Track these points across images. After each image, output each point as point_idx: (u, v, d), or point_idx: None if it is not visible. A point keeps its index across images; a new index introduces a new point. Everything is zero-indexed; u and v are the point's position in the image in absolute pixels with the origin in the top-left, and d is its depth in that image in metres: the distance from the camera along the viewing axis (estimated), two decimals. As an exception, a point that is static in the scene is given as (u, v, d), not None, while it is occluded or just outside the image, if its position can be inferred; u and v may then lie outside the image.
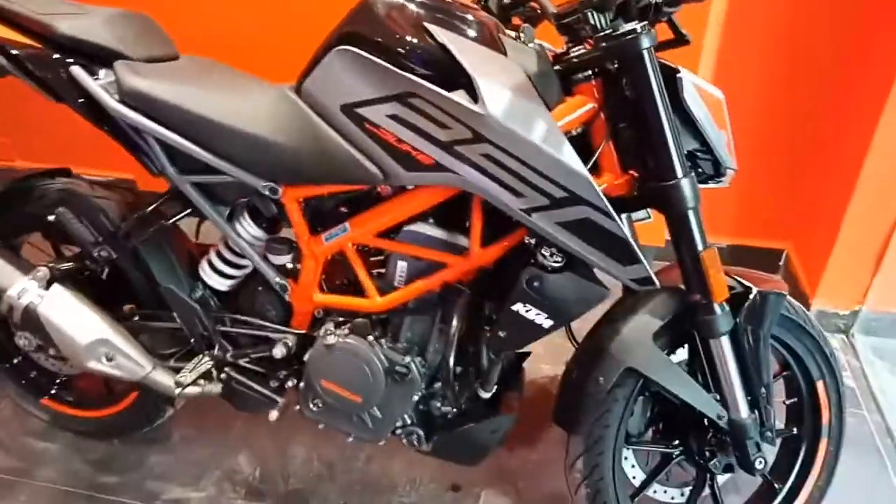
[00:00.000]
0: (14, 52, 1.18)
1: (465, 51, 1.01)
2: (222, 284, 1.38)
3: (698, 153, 1.12)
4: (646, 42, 1.00)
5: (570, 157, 0.98)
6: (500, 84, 0.99)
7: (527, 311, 1.10)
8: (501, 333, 1.14)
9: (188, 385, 1.33)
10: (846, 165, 1.89)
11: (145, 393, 1.54)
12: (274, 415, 1.34)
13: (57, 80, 1.19)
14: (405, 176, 1.10)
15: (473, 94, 1.00)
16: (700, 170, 1.14)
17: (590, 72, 1.09)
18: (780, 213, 2.23)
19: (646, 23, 1.01)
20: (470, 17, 1.09)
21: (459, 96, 1.00)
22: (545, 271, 1.08)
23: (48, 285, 1.31)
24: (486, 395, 1.27)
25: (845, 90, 1.92)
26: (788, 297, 1.21)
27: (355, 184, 1.17)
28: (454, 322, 1.18)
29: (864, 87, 1.83)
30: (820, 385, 1.32)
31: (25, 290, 1.30)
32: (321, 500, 1.54)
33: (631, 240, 1.02)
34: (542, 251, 1.08)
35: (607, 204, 0.99)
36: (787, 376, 1.33)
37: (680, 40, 1.09)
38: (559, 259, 1.08)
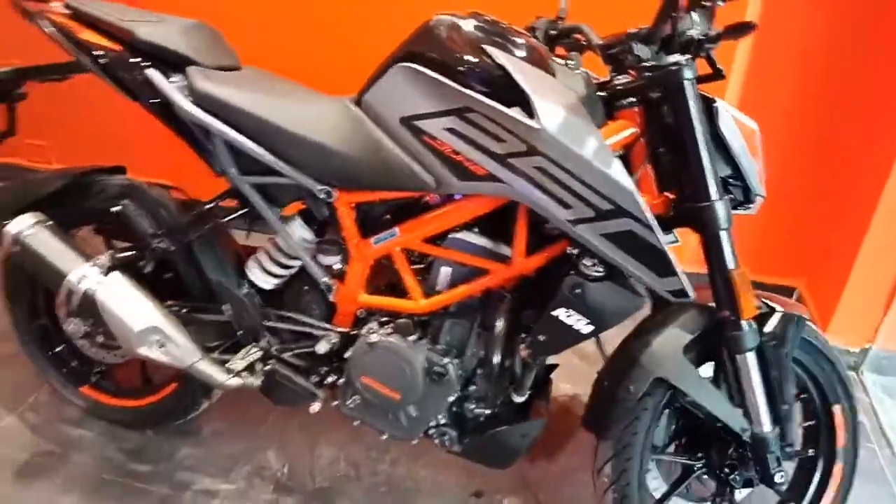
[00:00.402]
0: (96, 53, 1.28)
1: (522, 71, 1.10)
2: (268, 283, 1.46)
3: (730, 179, 1.20)
4: (688, 74, 1.09)
5: (618, 172, 1.06)
6: (554, 102, 1.07)
7: (568, 316, 1.17)
8: (541, 338, 1.21)
9: (238, 372, 1.38)
10: (860, 205, 1.97)
11: (184, 385, 1.60)
12: (315, 407, 1.41)
13: (133, 81, 1.28)
14: (457, 185, 1.18)
15: (528, 111, 1.08)
16: (731, 196, 1.22)
17: (633, 99, 1.18)
18: (794, 251, 2.29)
19: (689, 56, 1.10)
20: (524, 41, 1.18)
21: (516, 112, 1.08)
22: (587, 280, 1.15)
23: (107, 273, 1.38)
24: (519, 400, 1.33)
25: (861, 132, 2.01)
26: (809, 322, 1.28)
27: (408, 191, 1.25)
28: (498, 325, 1.25)
29: (881, 129, 1.91)
30: (837, 409, 1.37)
31: (85, 275, 1.37)
32: (347, 499, 1.59)
33: (669, 253, 1.09)
34: (585, 261, 1.16)
35: (650, 217, 1.07)
36: (804, 399, 1.39)
37: (716, 75, 1.17)
38: (600, 269, 1.15)
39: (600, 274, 1.15)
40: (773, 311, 1.23)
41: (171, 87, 1.27)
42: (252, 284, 1.45)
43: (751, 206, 1.23)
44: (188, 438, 1.72)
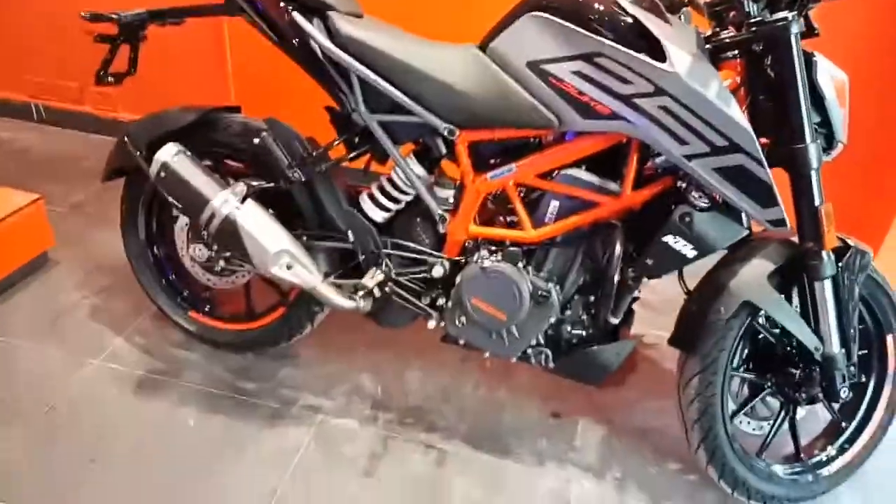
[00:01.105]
0: (251, -5, 1.40)
1: (651, 21, 1.24)
2: (379, 216, 1.60)
3: (816, 126, 1.35)
4: (795, 29, 1.23)
5: (736, 111, 1.21)
6: (681, 49, 1.22)
7: (675, 242, 1.33)
8: (649, 261, 1.37)
9: (362, 294, 1.53)
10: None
11: (291, 310, 1.75)
12: (433, 324, 1.56)
13: (281, 22, 1.40)
14: (581, 123, 1.32)
15: (655, 56, 1.22)
16: (819, 141, 1.37)
17: (736, 52, 1.33)
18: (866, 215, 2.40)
19: (795, 12, 1.24)
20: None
21: (645, 57, 1.23)
22: (695, 209, 1.31)
23: (243, 200, 1.52)
24: (615, 322, 1.49)
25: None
26: (872, 259, 1.45)
27: (530, 129, 1.39)
28: (615, 251, 1.39)
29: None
30: (889, 338, 1.54)
31: (227, 200, 1.51)
32: (439, 415, 1.75)
33: (774, 185, 1.25)
34: (693, 193, 1.31)
35: (761, 153, 1.23)
36: (861, 329, 1.56)
37: (809, 32, 1.31)
38: (706, 201, 1.31)
39: (707, 205, 1.31)
40: (847, 245, 1.39)
41: (314, 29, 1.40)
42: (365, 216, 1.59)
43: (833, 151, 1.38)
44: (287, 361, 1.87)
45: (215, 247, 1.63)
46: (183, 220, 1.73)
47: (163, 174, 1.52)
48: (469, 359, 1.95)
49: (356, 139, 1.57)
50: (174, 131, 1.59)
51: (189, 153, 1.55)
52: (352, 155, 1.56)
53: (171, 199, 1.56)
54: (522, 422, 1.76)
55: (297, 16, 1.40)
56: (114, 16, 1.56)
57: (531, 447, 1.68)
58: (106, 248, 2.26)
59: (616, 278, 1.42)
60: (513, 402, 1.82)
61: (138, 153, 1.61)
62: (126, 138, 1.65)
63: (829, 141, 1.36)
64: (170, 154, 1.52)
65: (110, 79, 1.64)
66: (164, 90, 2.64)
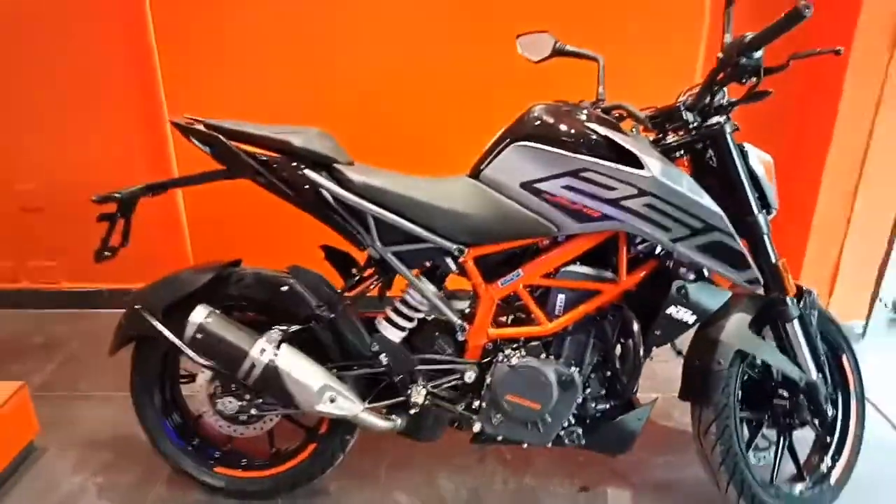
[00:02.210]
0: (264, 159, 1.55)
1: (619, 137, 1.51)
2: (397, 336, 1.72)
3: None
4: (729, 128, 1.55)
5: (706, 198, 1.49)
6: (650, 156, 1.49)
7: (677, 312, 1.56)
8: (657, 332, 1.59)
9: (420, 405, 1.64)
10: (804, 208, 2.54)
11: (323, 443, 1.80)
12: (478, 426, 1.67)
13: (296, 179, 1.55)
14: (577, 227, 1.55)
15: (632, 164, 1.49)
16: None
17: (682, 151, 1.63)
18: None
19: (725, 117, 1.56)
20: (606, 117, 1.60)
21: (624, 166, 1.49)
22: (687, 282, 1.55)
23: (278, 346, 1.60)
24: (634, 391, 1.68)
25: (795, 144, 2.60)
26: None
27: (531, 238, 1.60)
28: (635, 326, 1.59)
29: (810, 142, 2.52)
30: (844, 358, 1.84)
31: (264, 349, 1.58)
32: (481, 515, 1.83)
33: (746, 252, 1.52)
34: (681, 269, 1.56)
35: (732, 228, 1.50)
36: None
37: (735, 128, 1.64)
38: (694, 273, 1.56)
39: (694, 277, 1.56)
40: (801, 289, 1.68)
41: (327, 181, 1.56)
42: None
43: (769, 217, 1.69)
44: (318, 497, 1.89)
45: (248, 396, 1.68)
46: (202, 379, 1.76)
47: (199, 336, 1.57)
48: (486, 458, 2.05)
49: (367, 272, 1.71)
50: (192, 293, 1.66)
51: (217, 311, 1.62)
52: (371, 287, 1.70)
53: (204, 359, 1.60)
54: (558, 502, 1.87)
55: (308, 172, 1.55)
56: (116, 195, 1.64)
57: (575, 524, 1.80)
58: (90, 424, 2.20)
59: (641, 351, 1.62)
60: (542, 486, 1.94)
61: (157, 320, 1.65)
62: (138, 307, 1.68)
63: (767, 210, 1.67)
64: (203, 315, 1.58)
65: (107, 254, 1.69)
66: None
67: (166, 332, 1.64)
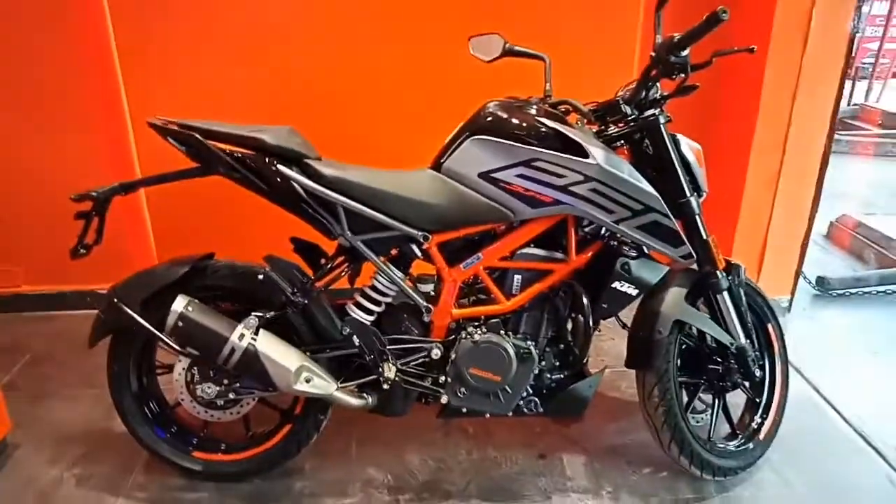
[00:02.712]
0: (238, 155, 1.64)
1: (566, 129, 1.67)
2: (367, 319, 1.84)
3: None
4: (662, 119, 1.73)
5: (644, 183, 1.66)
6: (595, 146, 1.65)
7: (621, 286, 1.73)
8: (605, 305, 1.76)
9: (391, 380, 1.77)
10: (732, 194, 2.77)
11: (300, 422, 1.90)
12: (445, 398, 1.80)
13: (269, 174, 1.65)
14: (531, 212, 1.70)
15: (578, 153, 1.64)
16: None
17: (622, 141, 1.80)
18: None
19: (659, 109, 1.74)
20: (554, 111, 1.75)
21: (571, 155, 1.64)
22: (630, 258, 1.72)
23: (256, 331, 1.70)
24: (585, 360, 1.84)
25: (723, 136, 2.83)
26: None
27: (489, 224, 1.75)
28: (585, 300, 1.75)
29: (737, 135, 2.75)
30: (769, 326, 2.05)
31: (243, 334, 1.68)
32: (449, 483, 1.97)
33: (680, 230, 1.70)
34: (624, 248, 1.73)
35: (667, 209, 1.67)
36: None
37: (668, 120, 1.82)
38: (635, 251, 1.73)
39: (636, 254, 1.74)
40: (731, 263, 1.88)
41: (299, 175, 1.66)
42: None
43: (700, 199, 1.88)
44: (295, 477, 1.99)
45: (226, 381, 1.77)
46: (180, 367, 1.84)
47: (180, 324, 1.66)
48: (451, 433, 2.19)
49: (337, 260, 1.82)
50: (169, 285, 1.74)
51: (196, 301, 1.70)
52: (343, 274, 1.81)
53: (184, 346, 1.69)
54: (518, 469, 2.03)
55: (281, 167, 1.65)
56: (92, 193, 1.70)
57: (535, 487, 1.95)
58: (62, 420, 2.24)
59: (590, 322, 1.78)
60: (503, 455, 2.09)
61: (134, 312, 1.73)
62: (116, 300, 1.75)
63: (698, 193, 1.86)
64: (183, 304, 1.67)
65: (82, 251, 1.75)
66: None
67: (145, 324, 1.71)
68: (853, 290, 3.39)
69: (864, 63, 10.42)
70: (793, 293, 2.97)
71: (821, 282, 3.38)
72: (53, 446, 2.12)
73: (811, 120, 2.60)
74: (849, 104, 8.87)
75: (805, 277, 3.33)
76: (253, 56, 2.66)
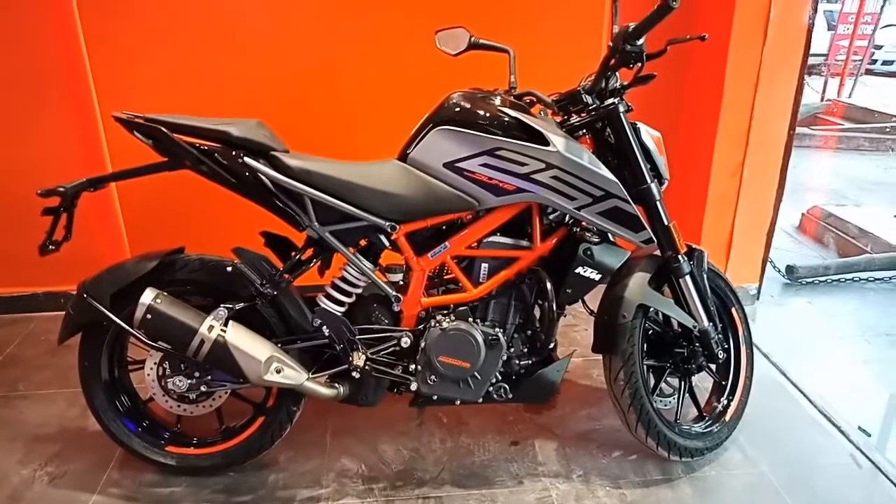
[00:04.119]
0: (205, 148, 1.65)
1: (527, 118, 1.70)
2: (338, 311, 1.86)
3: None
4: (622, 108, 1.77)
5: (604, 169, 1.70)
6: (556, 134, 1.69)
7: (585, 271, 1.77)
8: (569, 290, 1.79)
9: (360, 368, 1.79)
10: (699, 185, 2.83)
11: (271, 416, 1.92)
12: (414, 386, 1.83)
13: (236, 167, 1.66)
14: (495, 200, 1.74)
15: (539, 142, 1.68)
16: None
17: (584, 130, 1.84)
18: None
19: (618, 98, 1.78)
20: (517, 102, 1.79)
21: (533, 144, 1.68)
22: (592, 244, 1.76)
23: (226, 322, 1.72)
24: (551, 346, 1.88)
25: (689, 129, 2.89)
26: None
27: (455, 213, 1.78)
28: (548, 286, 1.78)
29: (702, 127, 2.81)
30: (733, 310, 2.10)
31: (212, 326, 1.69)
32: (423, 471, 1.99)
33: (640, 216, 1.74)
34: (587, 233, 1.77)
35: (627, 195, 1.72)
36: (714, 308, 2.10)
37: (629, 109, 1.85)
38: (597, 237, 1.77)
39: (598, 240, 1.78)
40: (692, 248, 1.92)
41: (266, 167, 1.68)
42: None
43: (662, 186, 1.93)
44: (269, 469, 2.00)
45: (198, 374, 1.78)
46: (151, 362, 1.84)
47: (149, 316, 1.67)
48: (425, 422, 2.22)
49: (307, 252, 1.84)
50: (139, 279, 1.75)
51: (165, 294, 1.71)
52: (311, 265, 1.83)
53: (152, 339, 1.70)
54: (491, 456, 2.06)
55: (248, 160, 1.67)
56: (60, 189, 1.71)
57: (507, 473, 1.98)
58: (34, 420, 2.24)
59: (555, 309, 1.81)
60: (476, 443, 2.11)
61: (104, 307, 1.74)
62: (85, 296, 1.76)
63: (659, 180, 1.90)
64: (151, 297, 1.68)
65: (51, 247, 1.76)
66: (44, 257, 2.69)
67: (114, 318, 1.72)
68: (821, 279, 3.47)
69: (838, 60, 10.63)
70: (760, 281, 3.03)
71: (790, 270, 3.46)
72: (25, 446, 2.11)
73: (773, 112, 2.66)
74: (822, 100, 9.04)
75: (775, 266, 3.41)
76: (223, 50, 2.67)
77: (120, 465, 2.00)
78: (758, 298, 3.09)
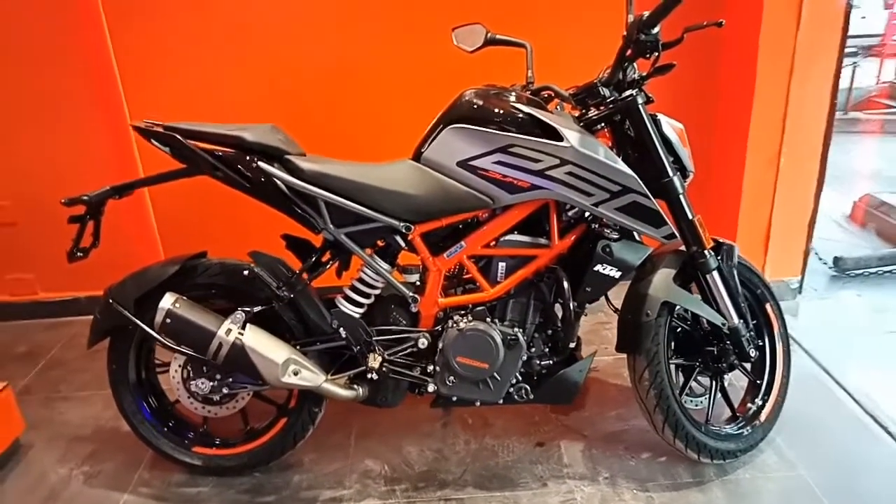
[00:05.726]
0: (219, 154, 1.67)
1: (541, 114, 1.66)
2: (356, 313, 1.86)
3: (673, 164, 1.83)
4: (641, 100, 1.71)
5: (621, 164, 1.64)
6: (570, 129, 1.65)
7: (604, 269, 1.72)
8: (588, 289, 1.74)
9: (376, 370, 1.79)
10: (732, 177, 2.72)
11: (293, 418, 1.93)
12: (432, 387, 1.81)
13: (251, 172, 1.68)
14: (509, 198, 1.70)
15: (553, 137, 1.64)
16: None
17: (602, 124, 1.79)
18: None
19: (637, 89, 1.72)
20: (531, 98, 1.75)
21: (547, 140, 1.64)
22: (611, 241, 1.71)
23: (243, 326, 1.73)
24: (572, 345, 1.83)
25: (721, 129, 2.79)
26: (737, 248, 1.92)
27: (470, 212, 1.75)
28: (566, 285, 1.74)
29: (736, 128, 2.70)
30: (768, 306, 2.01)
31: (230, 329, 1.71)
32: (445, 473, 1.97)
33: (661, 211, 1.68)
34: (605, 230, 1.72)
35: (645, 189, 1.66)
36: (747, 304, 2.01)
37: (649, 101, 1.79)
38: (617, 233, 1.72)
39: (617, 236, 1.72)
40: (720, 243, 1.85)
41: (281, 172, 1.69)
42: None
43: (686, 180, 1.86)
44: (293, 470, 2.02)
45: (219, 376, 1.81)
46: (176, 364, 1.88)
47: (168, 321, 1.70)
48: (450, 423, 2.20)
49: (324, 254, 1.85)
50: (160, 284, 1.78)
51: (184, 298, 1.74)
52: (328, 267, 1.83)
53: (174, 343, 1.73)
54: (515, 457, 2.02)
55: (262, 164, 1.68)
56: (84, 197, 1.75)
57: (531, 475, 1.94)
58: (73, 421, 2.32)
59: (575, 308, 1.77)
60: (500, 444, 2.09)
61: (128, 311, 1.78)
62: (111, 301, 1.80)
63: (683, 173, 1.84)
64: (170, 302, 1.71)
65: (79, 254, 1.81)
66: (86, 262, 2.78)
67: (137, 321, 1.76)
68: (872, 270, 3.30)
69: (895, 40, 10.12)
70: (802, 273, 2.89)
71: (837, 262, 3.30)
72: (64, 446, 2.19)
73: (810, 97, 2.53)
74: (877, 83, 8.62)
75: (820, 258, 3.27)
76: (242, 54, 2.71)
77: (150, 466, 2.05)
78: (800, 292, 2.95)
